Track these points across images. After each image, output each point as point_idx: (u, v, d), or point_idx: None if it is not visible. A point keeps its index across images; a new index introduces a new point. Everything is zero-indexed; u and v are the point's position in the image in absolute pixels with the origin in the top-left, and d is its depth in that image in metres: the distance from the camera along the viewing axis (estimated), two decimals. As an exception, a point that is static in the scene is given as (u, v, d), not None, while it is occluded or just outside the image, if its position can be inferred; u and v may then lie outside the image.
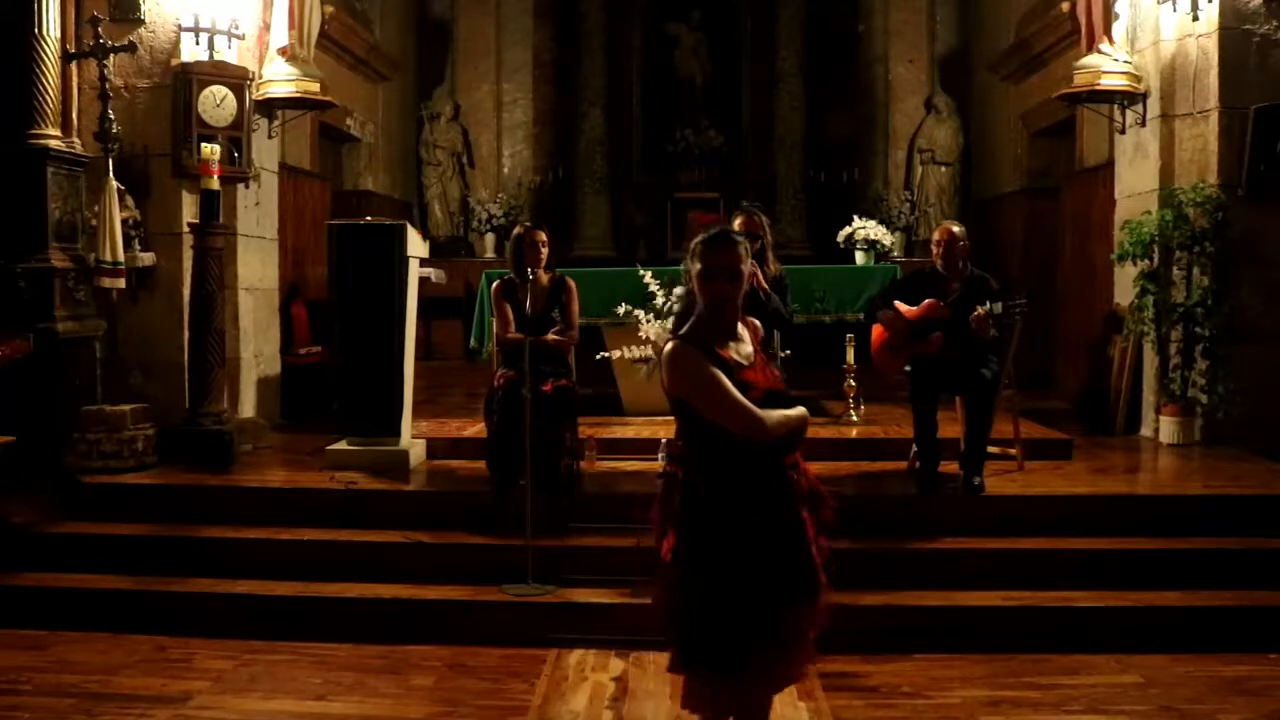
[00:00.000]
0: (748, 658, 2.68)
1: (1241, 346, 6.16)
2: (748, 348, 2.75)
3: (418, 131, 12.16)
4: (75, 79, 6.15)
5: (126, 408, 5.67)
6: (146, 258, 6.17)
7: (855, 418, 6.52)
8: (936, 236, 5.31)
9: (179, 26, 6.27)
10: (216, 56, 6.31)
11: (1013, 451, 5.60)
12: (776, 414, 2.67)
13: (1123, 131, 6.88)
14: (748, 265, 2.72)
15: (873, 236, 8.86)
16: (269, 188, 7.13)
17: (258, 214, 6.94)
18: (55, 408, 5.64)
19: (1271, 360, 6.13)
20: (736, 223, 5.28)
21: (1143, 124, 6.66)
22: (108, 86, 6.00)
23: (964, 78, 11.84)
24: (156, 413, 5.81)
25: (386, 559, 4.78)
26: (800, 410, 2.75)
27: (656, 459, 5.52)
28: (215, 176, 5.79)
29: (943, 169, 11.80)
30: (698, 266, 2.70)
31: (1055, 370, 8.84)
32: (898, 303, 5.23)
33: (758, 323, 2.90)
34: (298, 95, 6.95)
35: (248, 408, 6.76)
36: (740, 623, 2.66)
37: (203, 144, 5.93)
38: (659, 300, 6.36)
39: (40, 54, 5.79)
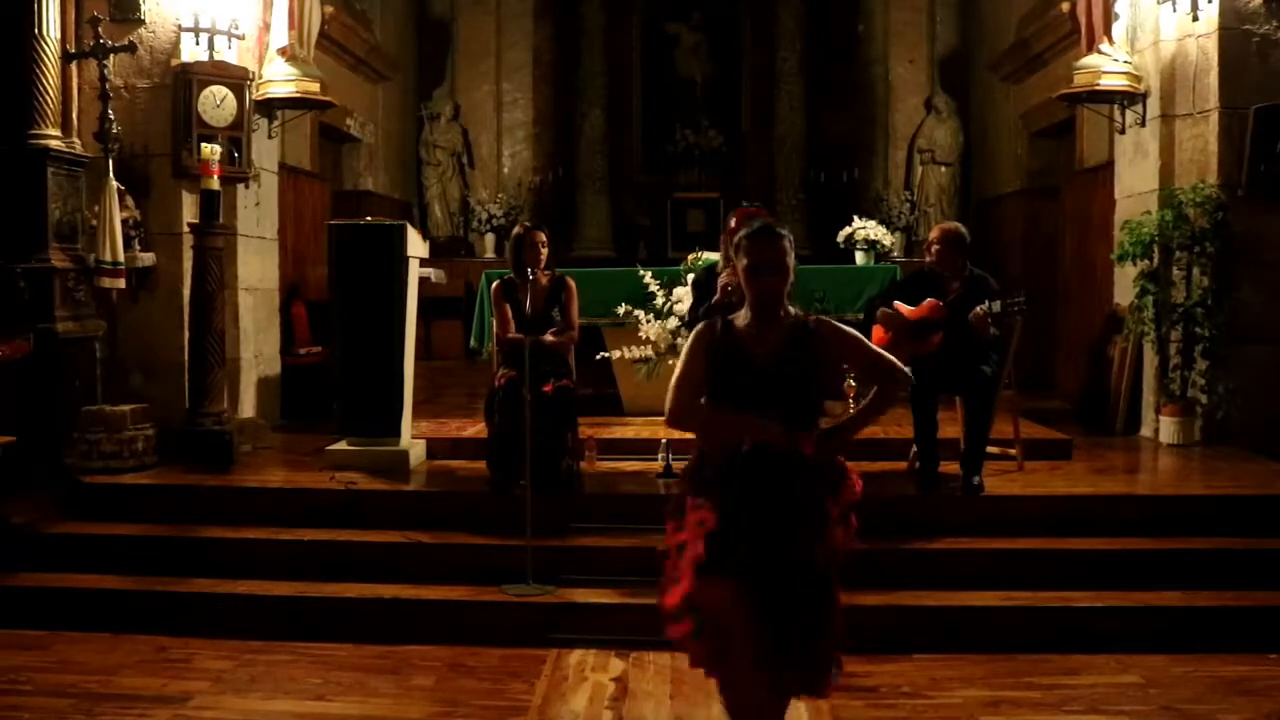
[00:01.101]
0: (723, 654, 2.71)
1: (1241, 346, 6.16)
2: (775, 343, 2.75)
3: (418, 131, 12.16)
4: (75, 79, 6.15)
5: (126, 408, 5.66)
6: (146, 258, 6.17)
7: (855, 417, 6.51)
8: (933, 236, 5.31)
9: (179, 26, 6.27)
10: (216, 56, 6.31)
11: (1013, 451, 5.60)
12: (715, 414, 2.78)
13: (1123, 131, 6.88)
14: (791, 259, 2.78)
15: (873, 236, 8.86)
16: (269, 188, 7.13)
17: (258, 214, 6.94)
18: (55, 408, 5.64)
19: (1271, 360, 6.13)
20: (731, 223, 5.27)
21: (1143, 124, 6.66)
22: (108, 86, 6.00)
23: (964, 78, 11.84)
24: (156, 413, 5.80)
25: (386, 559, 4.78)
26: (763, 422, 2.71)
27: (656, 459, 5.57)
28: (215, 176, 5.79)
29: (943, 169, 11.80)
30: (744, 261, 2.75)
31: (1055, 370, 8.85)
32: (898, 303, 5.23)
33: (847, 330, 2.87)
34: (298, 95, 6.95)
35: (248, 408, 6.76)
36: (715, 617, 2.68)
37: (203, 144, 5.93)
38: (659, 300, 6.37)
39: (40, 54, 5.79)
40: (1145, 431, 6.65)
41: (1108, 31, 6.54)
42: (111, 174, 5.87)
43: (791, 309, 2.84)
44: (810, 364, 2.79)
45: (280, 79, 6.84)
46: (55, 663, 4.15)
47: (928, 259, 5.30)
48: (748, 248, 2.76)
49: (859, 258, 8.90)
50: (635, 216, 12.36)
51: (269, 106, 6.95)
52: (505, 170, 12.47)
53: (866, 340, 2.94)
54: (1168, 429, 6.32)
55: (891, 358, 2.95)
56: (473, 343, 7.07)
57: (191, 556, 4.83)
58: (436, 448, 6.02)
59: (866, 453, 5.87)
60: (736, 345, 2.78)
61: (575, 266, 7.38)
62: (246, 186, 6.67)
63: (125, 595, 4.59)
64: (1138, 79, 6.60)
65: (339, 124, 9.64)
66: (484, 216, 11.97)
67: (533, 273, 5.16)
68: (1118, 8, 6.59)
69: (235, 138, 6.34)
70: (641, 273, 6.51)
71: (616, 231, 12.19)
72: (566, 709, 3.75)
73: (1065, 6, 7.83)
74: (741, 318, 2.83)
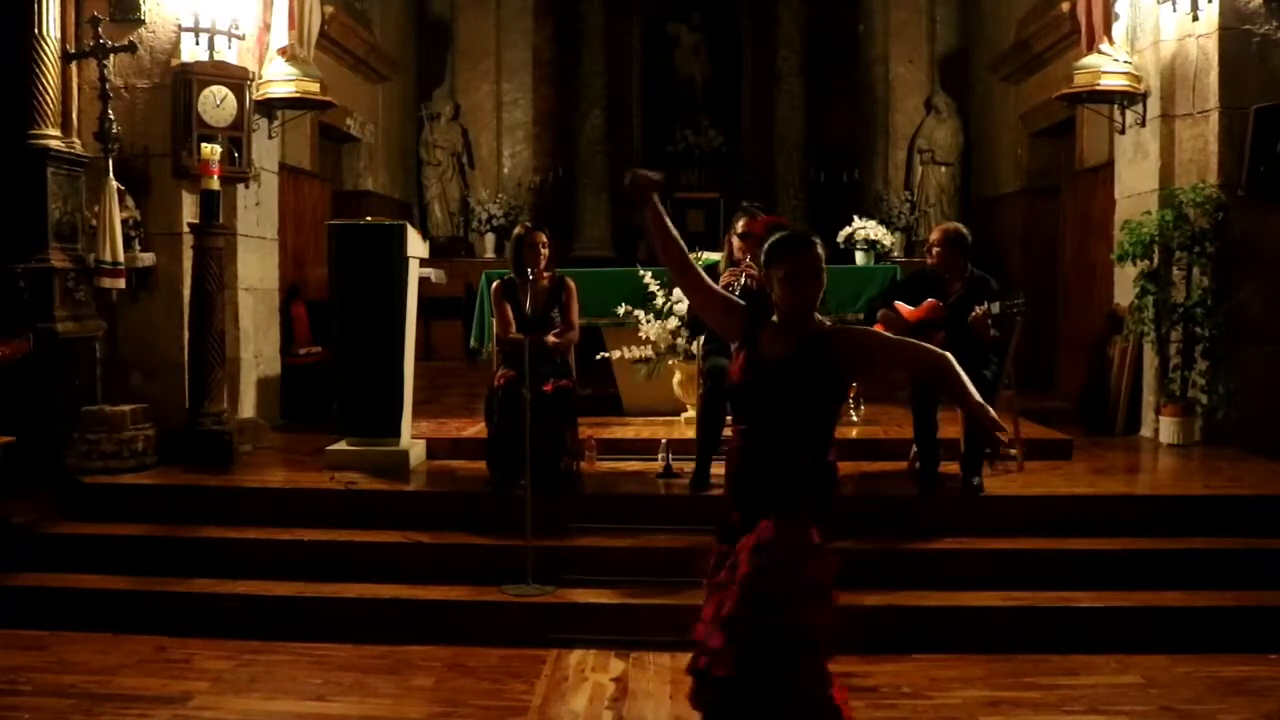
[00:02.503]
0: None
1: (1241, 347, 6.17)
2: (786, 349, 2.73)
3: (418, 132, 12.16)
4: (75, 79, 6.14)
5: (126, 408, 5.67)
6: (146, 258, 6.17)
7: (855, 418, 6.52)
8: (934, 237, 5.31)
9: (179, 26, 6.27)
10: (216, 56, 6.31)
11: (1013, 451, 5.60)
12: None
13: (1123, 132, 6.88)
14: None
15: (873, 237, 8.87)
16: (269, 188, 7.12)
17: (258, 214, 6.94)
18: (55, 408, 5.64)
19: (1272, 360, 6.14)
20: (740, 224, 5.28)
21: (1143, 124, 6.66)
22: (108, 86, 6.00)
23: (964, 78, 11.84)
24: (156, 413, 5.80)
25: (386, 559, 4.78)
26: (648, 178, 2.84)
27: (656, 459, 5.57)
28: (215, 176, 5.80)
29: (943, 169, 11.79)
30: (780, 272, 2.74)
31: (1055, 370, 8.85)
32: (898, 303, 5.23)
33: (864, 333, 2.85)
34: (298, 95, 6.95)
35: (248, 408, 6.76)
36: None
37: (203, 144, 5.93)
38: (659, 300, 6.36)
39: (40, 54, 5.78)
40: (1145, 431, 6.65)
41: (1108, 31, 6.54)
42: (111, 174, 5.87)
43: (817, 316, 2.81)
44: (819, 376, 2.72)
45: (280, 79, 6.83)
46: (55, 663, 4.15)
47: (929, 260, 5.30)
48: (786, 258, 2.75)
49: (859, 258, 8.91)
50: (635, 216, 12.34)
51: (269, 106, 6.95)
52: (505, 170, 12.47)
53: (887, 335, 2.90)
54: (1168, 429, 6.32)
55: (917, 344, 2.87)
56: (473, 343, 7.07)
57: (191, 556, 4.83)
58: (436, 448, 6.02)
59: (867, 453, 5.89)
60: (756, 344, 2.78)
61: (575, 266, 7.37)
62: (246, 186, 6.67)
63: (125, 595, 4.59)
64: (1138, 79, 6.60)
65: (339, 124, 9.64)
66: (484, 216, 11.96)
67: (533, 273, 5.16)
68: (1118, 8, 6.58)
69: (235, 138, 6.34)
70: (641, 273, 6.50)
71: (616, 231, 12.18)
72: (566, 709, 3.75)
73: (1065, 6, 7.83)
74: (774, 322, 2.82)
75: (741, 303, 2.97)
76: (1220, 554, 4.63)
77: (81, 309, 5.96)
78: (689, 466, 5.24)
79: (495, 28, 12.36)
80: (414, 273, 5.75)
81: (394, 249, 5.64)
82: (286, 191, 7.81)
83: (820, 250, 2.78)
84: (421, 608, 4.48)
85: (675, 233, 2.87)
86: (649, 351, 6.25)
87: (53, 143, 5.85)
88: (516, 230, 5.40)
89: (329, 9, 7.79)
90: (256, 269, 6.93)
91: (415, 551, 4.81)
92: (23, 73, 5.79)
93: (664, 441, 5.58)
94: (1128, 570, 4.55)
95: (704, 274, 2.93)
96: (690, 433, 5.75)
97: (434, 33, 12.40)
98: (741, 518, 2.76)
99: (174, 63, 6.29)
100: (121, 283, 5.91)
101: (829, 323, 2.84)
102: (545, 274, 5.31)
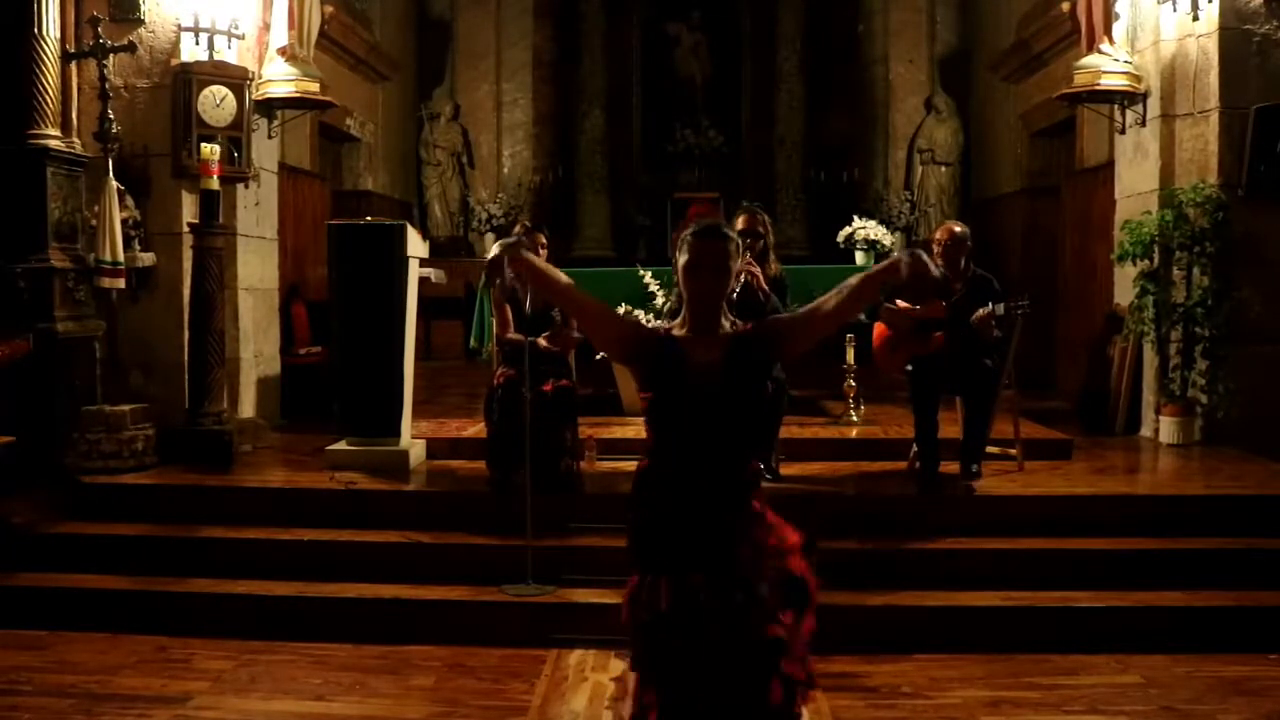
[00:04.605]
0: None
1: (1241, 346, 6.16)
2: (714, 356, 2.53)
3: (418, 131, 12.16)
4: (75, 79, 6.14)
5: (126, 408, 5.67)
6: (146, 258, 6.17)
7: (855, 418, 6.52)
8: (938, 236, 5.31)
9: (179, 26, 6.27)
10: (216, 56, 6.31)
11: (1013, 451, 5.60)
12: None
13: (1123, 131, 6.88)
14: (737, 263, 2.59)
15: (873, 236, 8.86)
16: (269, 188, 7.12)
17: (258, 214, 6.94)
18: (55, 408, 5.64)
19: (1272, 360, 6.13)
20: (739, 222, 5.28)
21: (1143, 124, 6.66)
22: (108, 86, 5.99)
23: (964, 78, 11.84)
24: (156, 413, 5.81)
25: (386, 559, 4.78)
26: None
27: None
28: (215, 176, 5.80)
29: (943, 169, 11.80)
30: (684, 258, 2.57)
31: (1055, 370, 8.85)
32: (900, 301, 5.23)
33: (785, 317, 2.66)
34: (298, 95, 6.95)
35: (248, 408, 6.76)
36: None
37: (203, 144, 5.93)
38: (659, 300, 6.37)
39: (40, 54, 5.79)
40: (1145, 431, 6.65)
41: (1108, 31, 6.54)
42: (111, 174, 5.86)
43: (732, 318, 2.61)
44: (755, 377, 2.56)
45: (280, 79, 6.83)
46: (55, 663, 4.15)
47: (934, 258, 5.30)
48: (690, 244, 2.57)
49: (859, 258, 8.90)
50: (635, 216, 12.36)
51: (269, 106, 6.95)
52: (505, 170, 12.47)
53: (790, 316, 2.68)
54: (1168, 429, 6.32)
55: (817, 312, 2.59)
56: (473, 343, 7.07)
57: (191, 556, 4.83)
58: (436, 448, 6.02)
59: (867, 453, 5.89)
60: (674, 357, 2.54)
61: (575, 266, 7.38)
62: (246, 186, 6.67)
63: (125, 595, 4.59)
64: (1138, 79, 6.60)
65: (339, 124, 9.64)
66: (484, 216, 11.97)
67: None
68: (1118, 8, 6.59)
69: (235, 138, 6.34)
70: (641, 272, 6.50)
71: (616, 231, 12.19)
72: (566, 709, 3.76)
73: (1065, 6, 7.83)
74: (677, 328, 2.62)
75: (657, 325, 2.76)
76: (1220, 554, 4.63)
77: (81, 309, 5.96)
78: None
79: (495, 28, 12.36)
80: (414, 273, 5.75)
81: (394, 249, 5.64)
82: (286, 191, 7.81)
83: (731, 249, 2.57)
84: (421, 608, 4.48)
85: (554, 272, 2.69)
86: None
87: (53, 143, 5.85)
88: (515, 230, 5.40)
89: (329, 9, 7.78)
90: (256, 269, 6.93)
91: (415, 551, 4.81)
92: (23, 73, 5.79)
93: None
94: (1128, 570, 4.55)
95: (600, 304, 2.71)
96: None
97: (434, 33, 12.40)
98: (672, 541, 2.52)
99: (174, 63, 6.29)
100: (121, 283, 5.91)
101: (740, 325, 2.62)
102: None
